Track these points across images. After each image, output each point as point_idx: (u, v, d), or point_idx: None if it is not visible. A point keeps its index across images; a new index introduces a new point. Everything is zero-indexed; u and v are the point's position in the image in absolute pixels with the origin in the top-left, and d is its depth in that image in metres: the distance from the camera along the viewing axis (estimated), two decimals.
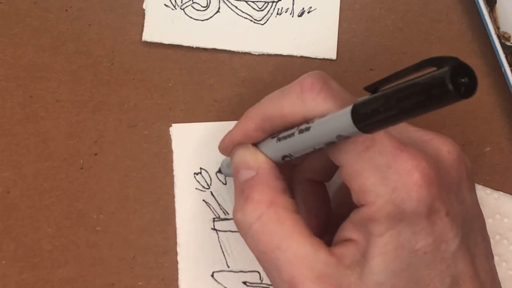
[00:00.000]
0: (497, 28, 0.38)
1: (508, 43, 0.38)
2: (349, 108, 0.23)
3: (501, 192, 0.38)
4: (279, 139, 0.28)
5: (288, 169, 0.32)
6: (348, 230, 0.27)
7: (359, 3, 0.39)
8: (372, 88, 0.23)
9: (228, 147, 0.31)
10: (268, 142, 0.29)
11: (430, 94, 0.19)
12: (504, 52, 0.37)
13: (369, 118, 0.22)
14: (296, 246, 0.26)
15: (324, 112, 0.26)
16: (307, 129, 0.26)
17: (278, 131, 0.28)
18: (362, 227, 0.26)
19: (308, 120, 0.26)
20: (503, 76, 0.37)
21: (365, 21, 0.39)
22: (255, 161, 0.29)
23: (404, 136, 0.27)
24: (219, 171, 0.37)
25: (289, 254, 0.26)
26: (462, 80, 0.19)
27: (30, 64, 0.38)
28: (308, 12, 0.39)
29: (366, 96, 0.22)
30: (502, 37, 0.38)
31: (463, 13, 0.39)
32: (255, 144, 0.30)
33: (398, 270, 0.25)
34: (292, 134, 0.27)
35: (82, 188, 0.38)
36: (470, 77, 0.19)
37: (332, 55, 0.39)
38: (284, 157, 0.28)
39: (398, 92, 0.21)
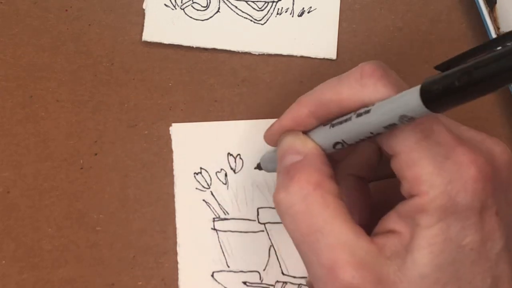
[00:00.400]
0: (497, 28, 0.38)
1: (508, 43, 0.38)
2: (417, 87, 0.22)
3: None
4: (332, 125, 0.27)
5: (331, 165, 0.32)
6: (391, 221, 0.26)
7: (359, 3, 0.39)
8: (443, 67, 0.22)
9: (276, 135, 0.30)
10: (319, 130, 0.29)
11: (508, 66, 0.19)
12: None
13: (441, 94, 0.21)
14: (338, 231, 0.26)
15: (385, 98, 0.25)
16: (367, 111, 0.25)
17: (332, 118, 0.28)
18: (409, 219, 0.25)
19: (367, 105, 0.26)
20: None
21: (365, 21, 0.39)
22: (304, 147, 0.28)
23: (458, 134, 0.26)
24: (258, 166, 0.36)
25: (331, 238, 0.25)
26: None
27: (30, 64, 0.38)
28: (308, 12, 0.39)
29: (436, 74, 0.22)
30: None
31: (463, 13, 0.39)
32: (305, 133, 0.29)
33: (444, 264, 0.24)
34: (349, 119, 0.26)
35: (82, 188, 0.38)
36: None
37: (332, 55, 0.39)
38: (335, 144, 0.27)
39: (475, 65, 0.20)
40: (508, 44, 0.20)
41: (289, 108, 0.30)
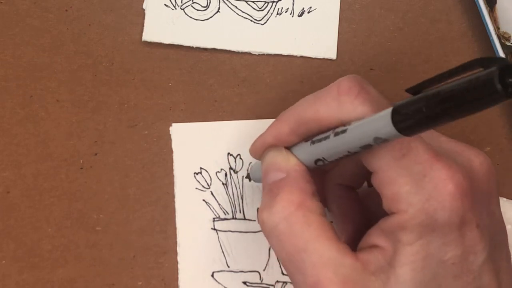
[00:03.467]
0: (497, 28, 0.38)
1: (508, 43, 0.38)
2: (389, 110, 0.22)
3: (504, 199, 0.38)
4: (313, 142, 0.28)
5: (319, 175, 0.32)
6: (375, 236, 0.26)
7: (359, 3, 0.39)
8: (413, 90, 0.22)
9: (259, 150, 0.31)
10: (301, 146, 0.29)
11: (477, 94, 0.19)
12: (504, 52, 0.37)
13: (409, 119, 0.21)
14: (322, 250, 0.26)
15: (362, 116, 0.25)
16: (344, 131, 0.25)
17: (313, 135, 0.28)
18: (391, 235, 0.25)
19: (344, 124, 0.26)
20: None
21: (365, 21, 0.39)
22: (286, 164, 0.28)
23: (436, 146, 0.26)
24: (247, 176, 0.37)
25: (314, 257, 0.26)
26: (510, 80, 0.18)
27: (30, 64, 0.38)
28: (308, 12, 0.39)
29: (408, 98, 0.22)
30: (502, 37, 0.38)
31: (463, 13, 0.39)
32: (288, 148, 0.30)
33: (425, 280, 0.25)
34: (327, 137, 0.26)
35: (82, 188, 0.38)
36: None
37: (332, 55, 0.39)
38: (317, 161, 0.28)
39: (442, 92, 0.20)
40: (477, 70, 0.19)
41: (271, 125, 0.30)
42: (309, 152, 0.28)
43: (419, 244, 0.24)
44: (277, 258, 0.28)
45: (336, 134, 0.26)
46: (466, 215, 0.25)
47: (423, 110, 0.21)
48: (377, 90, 0.28)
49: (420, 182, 0.25)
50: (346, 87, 0.27)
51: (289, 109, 0.29)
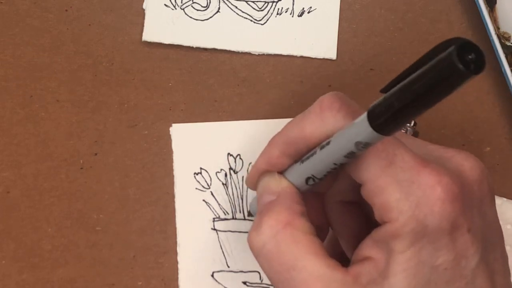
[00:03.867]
0: (497, 28, 0.38)
1: (508, 43, 0.38)
2: (365, 113, 0.23)
3: (504, 199, 0.38)
4: (302, 161, 0.28)
5: (318, 198, 0.32)
6: (367, 248, 0.26)
7: (359, 3, 0.39)
8: (386, 89, 0.22)
9: (254, 179, 0.31)
10: (292, 167, 0.29)
11: (440, 77, 0.19)
12: (504, 52, 0.37)
13: (384, 115, 0.22)
14: (311, 267, 0.26)
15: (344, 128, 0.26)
16: (328, 143, 0.26)
17: (302, 154, 0.28)
18: (383, 245, 0.25)
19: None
20: (503, 76, 0.37)
21: (365, 21, 0.39)
22: (277, 187, 0.29)
23: (425, 154, 0.26)
24: (249, 214, 0.37)
25: (304, 274, 0.26)
26: (469, 57, 0.19)
27: (30, 64, 0.38)
28: (308, 12, 0.39)
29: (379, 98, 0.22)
30: (502, 37, 0.38)
31: (463, 13, 0.39)
32: (281, 172, 0.30)
33: (419, 286, 0.25)
34: (314, 153, 0.27)
35: (82, 188, 0.38)
36: (476, 53, 0.19)
37: (332, 55, 0.39)
38: (307, 179, 0.28)
39: (410, 82, 0.20)
40: (439, 55, 0.20)
41: (262, 151, 0.30)
42: (299, 171, 0.28)
43: (411, 252, 0.24)
44: (268, 278, 0.28)
45: (322, 147, 0.26)
46: (457, 219, 0.25)
47: (395, 104, 0.21)
48: (356, 103, 0.28)
49: (408, 189, 0.25)
50: (327, 102, 0.27)
51: (277, 134, 0.30)
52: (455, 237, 0.25)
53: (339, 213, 0.32)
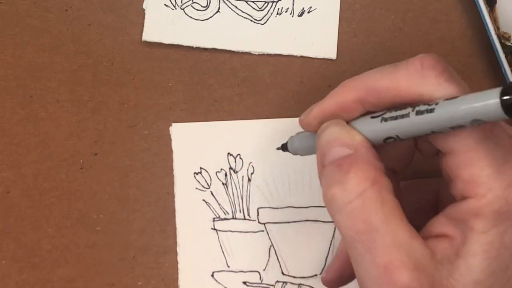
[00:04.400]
0: (497, 28, 0.38)
1: (508, 43, 0.38)
2: (495, 90, 0.21)
3: None
4: (384, 119, 0.26)
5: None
6: (441, 225, 0.25)
7: (359, 3, 0.39)
8: None
9: (315, 120, 0.28)
10: (367, 122, 0.27)
11: None
12: (504, 52, 0.37)
13: None
14: (395, 231, 0.24)
15: (450, 95, 0.24)
16: (430, 111, 0.24)
17: (381, 108, 0.26)
18: (460, 222, 0.24)
19: (425, 101, 0.25)
20: (503, 76, 0.37)
21: (365, 21, 0.39)
22: (352, 139, 0.26)
23: None
24: (282, 147, 0.33)
25: (387, 237, 0.24)
26: None
27: (30, 64, 0.38)
28: (308, 12, 0.39)
29: None
30: (502, 37, 0.38)
31: (463, 13, 0.39)
32: (348, 123, 0.27)
33: (498, 270, 0.24)
34: (406, 115, 0.25)
35: (82, 188, 0.38)
36: None
37: (332, 55, 0.39)
38: (387, 138, 0.26)
39: None
40: None
41: (333, 92, 0.28)
42: (379, 129, 0.26)
43: (494, 233, 0.23)
44: (343, 236, 0.25)
45: (419, 112, 0.24)
46: None
47: None
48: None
49: (501, 167, 0.23)
50: (431, 62, 0.25)
51: (356, 77, 0.27)
52: None
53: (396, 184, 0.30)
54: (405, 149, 0.29)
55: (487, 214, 0.23)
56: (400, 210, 0.25)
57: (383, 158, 0.29)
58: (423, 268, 0.24)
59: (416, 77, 0.25)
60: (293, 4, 0.39)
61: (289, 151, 0.33)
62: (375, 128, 0.26)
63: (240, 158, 0.38)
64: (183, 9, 0.39)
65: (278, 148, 0.34)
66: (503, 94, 0.21)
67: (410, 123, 0.25)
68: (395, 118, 0.25)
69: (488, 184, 0.23)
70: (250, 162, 0.38)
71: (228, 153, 0.38)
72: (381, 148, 0.28)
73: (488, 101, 0.21)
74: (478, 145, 0.24)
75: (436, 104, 0.24)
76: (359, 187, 0.25)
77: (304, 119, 0.29)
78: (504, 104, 0.21)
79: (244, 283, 0.37)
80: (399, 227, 0.25)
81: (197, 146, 0.38)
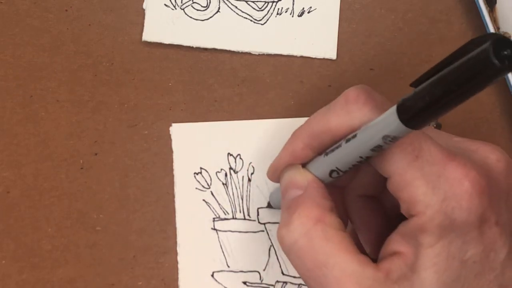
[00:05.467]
0: (497, 28, 0.38)
1: None
2: (394, 106, 0.22)
3: None
4: (326, 154, 0.28)
5: (338, 190, 0.32)
6: (395, 242, 0.26)
7: (359, 3, 0.39)
8: (416, 84, 0.22)
9: (276, 171, 0.31)
10: (316, 160, 0.29)
11: (475, 72, 0.19)
12: None
13: (414, 109, 0.21)
14: (343, 263, 0.26)
15: (371, 120, 0.26)
16: (354, 136, 0.26)
17: (326, 147, 0.28)
18: (411, 239, 0.25)
19: (355, 131, 0.26)
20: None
21: (365, 21, 0.39)
22: (304, 180, 0.29)
23: (451, 147, 0.26)
24: (268, 205, 0.37)
25: (336, 271, 0.26)
26: (505, 52, 0.18)
27: (30, 64, 0.38)
28: (308, 12, 0.39)
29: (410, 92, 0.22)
30: None
31: (463, 13, 0.39)
32: (304, 165, 0.30)
33: (449, 281, 0.25)
34: (339, 145, 0.27)
35: (82, 188, 0.38)
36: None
37: (332, 55, 0.39)
38: (331, 172, 0.28)
39: (442, 77, 0.20)
40: (472, 51, 0.19)
41: (286, 143, 0.30)
42: (324, 163, 0.28)
43: (440, 246, 0.24)
44: (299, 274, 0.28)
45: (347, 140, 0.26)
46: (485, 212, 0.25)
47: (426, 98, 0.21)
48: (382, 95, 0.28)
49: (435, 182, 0.24)
50: (353, 95, 0.27)
51: (301, 126, 0.30)
52: (483, 230, 0.25)
53: (359, 207, 0.32)
54: (373, 175, 0.30)
55: (431, 229, 0.24)
56: (347, 243, 0.26)
57: (358, 187, 0.31)
58: None
59: (343, 114, 0.27)
60: (293, 4, 0.39)
61: (273, 207, 0.36)
62: (320, 164, 0.29)
63: (240, 158, 0.38)
64: (183, 9, 0.39)
65: (266, 207, 0.37)
66: (398, 106, 0.22)
67: (343, 152, 0.27)
68: (333, 150, 0.27)
69: (424, 201, 0.25)
70: (250, 162, 0.38)
71: (228, 153, 0.38)
72: (355, 179, 0.31)
73: (389, 117, 0.23)
74: (410, 166, 0.25)
75: (360, 129, 0.26)
76: (302, 227, 0.27)
77: (269, 172, 0.32)
78: (401, 116, 0.22)
79: (244, 283, 0.37)
80: (347, 259, 0.26)
81: (197, 146, 0.38)
